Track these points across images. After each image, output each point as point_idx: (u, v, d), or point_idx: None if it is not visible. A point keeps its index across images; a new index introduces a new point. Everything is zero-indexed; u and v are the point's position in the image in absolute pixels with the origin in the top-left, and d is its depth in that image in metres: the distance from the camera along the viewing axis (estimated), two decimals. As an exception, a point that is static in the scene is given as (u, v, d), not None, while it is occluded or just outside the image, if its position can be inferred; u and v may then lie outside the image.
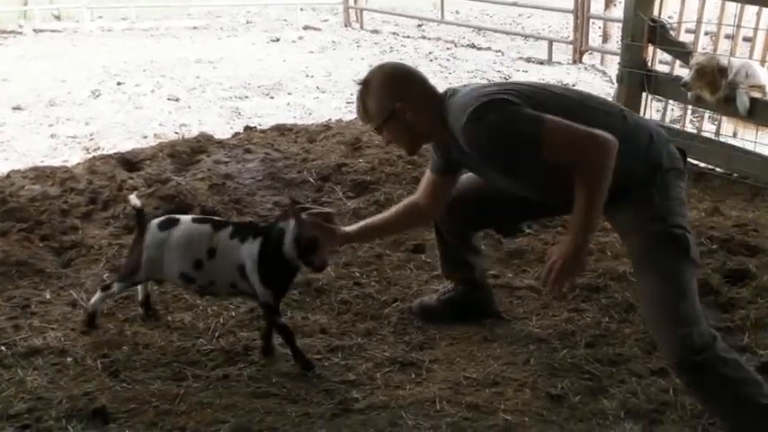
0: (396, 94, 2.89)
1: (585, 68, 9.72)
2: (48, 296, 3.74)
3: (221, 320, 3.51)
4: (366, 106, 2.96)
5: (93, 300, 3.46)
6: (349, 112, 7.69)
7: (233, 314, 3.58)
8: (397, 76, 2.97)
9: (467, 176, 3.30)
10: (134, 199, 3.42)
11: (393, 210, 3.31)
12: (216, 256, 3.18)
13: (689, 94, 5.43)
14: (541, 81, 2.85)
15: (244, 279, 3.15)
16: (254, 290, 3.14)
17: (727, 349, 2.66)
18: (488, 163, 2.89)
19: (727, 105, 5.34)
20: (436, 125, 2.92)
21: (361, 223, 3.32)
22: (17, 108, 7.94)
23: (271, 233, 3.11)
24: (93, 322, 3.45)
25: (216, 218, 3.45)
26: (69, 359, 3.19)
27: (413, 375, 3.15)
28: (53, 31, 12.95)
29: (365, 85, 2.96)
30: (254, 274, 3.11)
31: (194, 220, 3.34)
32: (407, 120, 2.90)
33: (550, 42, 10.50)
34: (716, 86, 5.30)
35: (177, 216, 3.40)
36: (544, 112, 2.68)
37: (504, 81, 2.81)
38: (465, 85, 2.99)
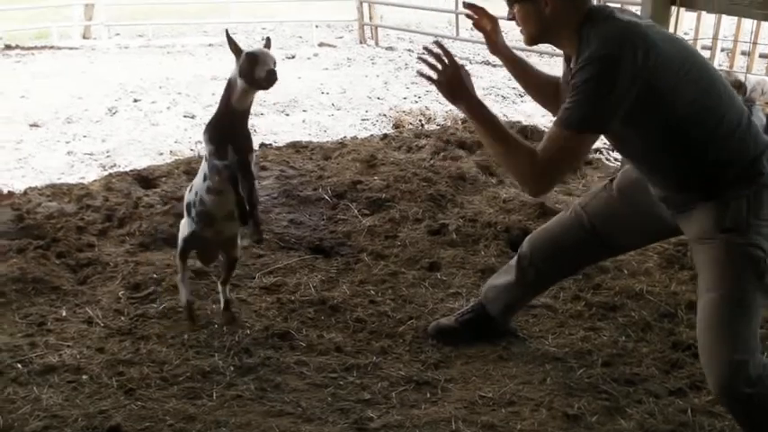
0: None
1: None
2: (64, 313, 3.75)
3: (236, 338, 3.51)
4: None
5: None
6: (364, 129, 7.70)
7: (248, 332, 3.58)
8: None
9: (566, 226, 3.25)
10: None
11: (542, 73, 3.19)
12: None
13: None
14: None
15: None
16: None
17: None
18: None
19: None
20: (567, 33, 2.70)
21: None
22: (34, 125, 7.98)
23: None
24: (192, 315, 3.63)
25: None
26: (85, 377, 3.20)
27: (428, 394, 3.14)
28: (71, 48, 13.05)
29: None
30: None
31: None
32: (543, 11, 2.68)
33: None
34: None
35: None
36: (689, 82, 2.58)
37: (670, 36, 2.59)
38: (622, 11, 2.75)
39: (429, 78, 2.77)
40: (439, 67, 2.73)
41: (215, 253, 3.73)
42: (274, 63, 3.21)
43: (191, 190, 3.51)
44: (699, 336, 2.65)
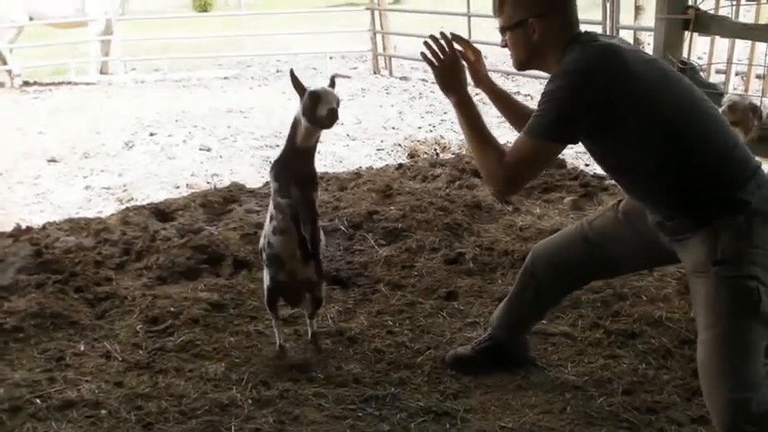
0: (535, 8, 2.77)
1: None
2: (82, 348, 3.76)
3: (254, 371, 3.50)
4: (503, 2, 2.85)
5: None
6: (379, 159, 7.72)
7: (266, 364, 3.57)
8: None
9: (570, 239, 3.27)
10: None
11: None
12: None
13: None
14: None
15: None
16: None
17: None
18: None
19: (760, 145, 5.29)
20: (553, 55, 2.78)
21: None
22: (52, 160, 8.07)
23: None
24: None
25: None
26: (103, 411, 3.19)
27: (447, 425, 3.11)
28: (88, 83, 13.19)
29: None
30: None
31: None
32: (532, 36, 2.78)
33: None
34: (748, 126, 5.27)
35: None
36: (669, 101, 2.64)
37: (650, 59, 2.66)
38: (610, 37, 2.90)
39: (429, 62, 2.90)
40: (441, 55, 2.86)
41: (299, 295, 3.66)
42: (337, 102, 3.26)
43: (263, 235, 3.54)
44: (700, 375, 2.63)
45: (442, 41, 2.86)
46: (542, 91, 2.70)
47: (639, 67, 2.63)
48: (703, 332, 2.60)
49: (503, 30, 2.89)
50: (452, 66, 2.87)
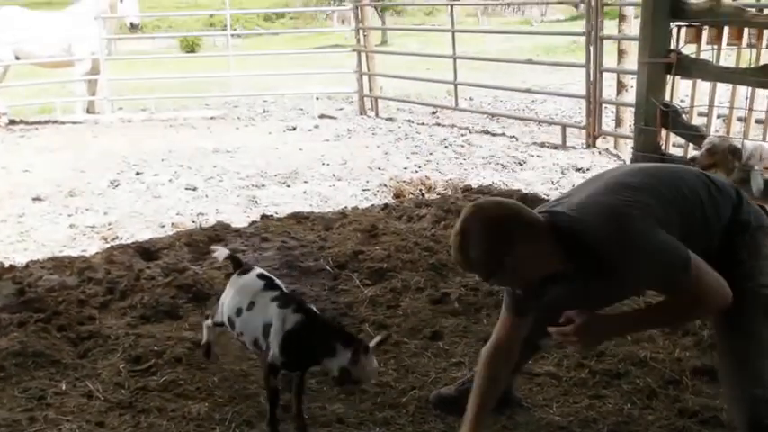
0: (500, 247, 2.56)
1: (599, 152, 9.73)
2: (63, 387, 3.73)
3: (237, 410, 3.48)
4: (468, 259, 2.61)
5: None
6: (365, 200, 7.74)
7: (249, 404, 3.54)
8: (498, 223, 2.59)
9: None
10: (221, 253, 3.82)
11: (482, 377, 3.02)
12: (252, 310, 3.37)
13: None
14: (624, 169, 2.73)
15: (265, 337, 3.27)
16: (269, 348, 3.25)
17: None
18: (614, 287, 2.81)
19: (741, 187, 5.35)
20: (550, 256, 2.65)
21: (467, 422, 3.00)
22: (37, 199, 8.05)
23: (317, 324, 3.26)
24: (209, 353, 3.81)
25: (276, 281, 3.55)
26: (84, 452, 3.16)
27: (432, 466, 3.09)
28: (74, 123, 13.19)
29: (463, 236, 2.58)
30: (277, 338, 3.21)
31: (258, 275, 3.54)
32: (511, 266, 2.59)
33: (564, 127, 10.53)
34: (728, 168, 5.33)
35: (255, 269, 3.65)
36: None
37: (609, 186, 2.60)
38: (563, 200, 2.80)
39: (570, 343, 2.81)
40: (568, 333, 2.69)
41: None
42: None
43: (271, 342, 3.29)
44: (721, 377, 2.84)
45: (559, 336, 2.71)
46: (629, 273, 2.62)
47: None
48: (722, 337, 2.78)
49: (492, 283, 2.97)
50: (584, 335, 2.69)
